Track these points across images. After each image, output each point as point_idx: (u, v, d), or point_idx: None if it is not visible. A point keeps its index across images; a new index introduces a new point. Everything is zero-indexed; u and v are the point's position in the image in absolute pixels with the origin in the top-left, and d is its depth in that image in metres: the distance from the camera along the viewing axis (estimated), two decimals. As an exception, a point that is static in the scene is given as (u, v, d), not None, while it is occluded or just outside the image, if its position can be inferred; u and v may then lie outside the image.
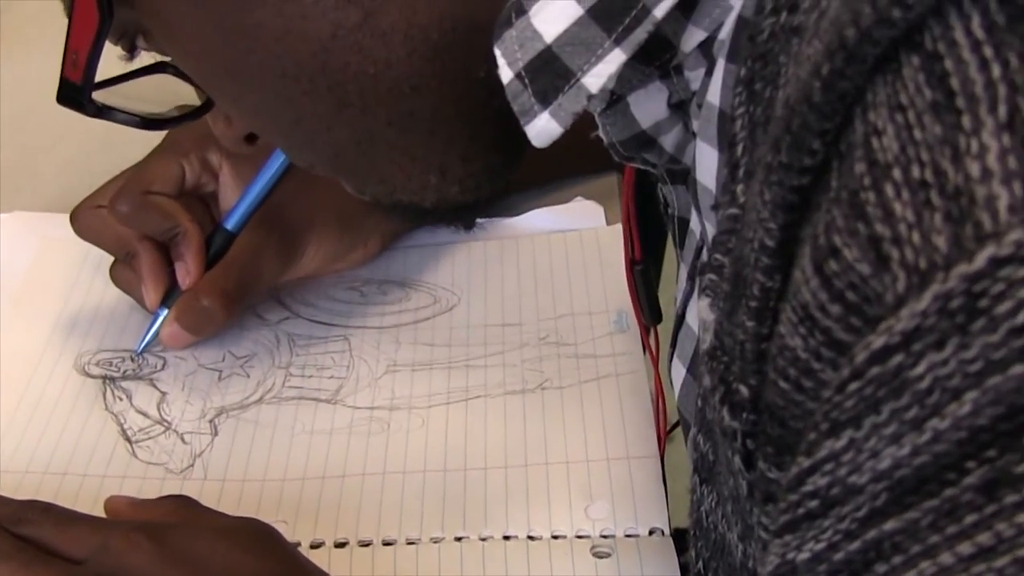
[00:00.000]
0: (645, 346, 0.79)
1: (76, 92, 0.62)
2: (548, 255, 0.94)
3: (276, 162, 0.80)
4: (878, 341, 0.35)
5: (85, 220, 0.86)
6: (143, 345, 0.86)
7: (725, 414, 0.46)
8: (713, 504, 0.55)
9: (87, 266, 0.93)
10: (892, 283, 0.34)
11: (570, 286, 0.91)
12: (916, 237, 0.34)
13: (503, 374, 0.84)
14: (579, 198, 0.98)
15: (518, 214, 0.97)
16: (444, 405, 0.82)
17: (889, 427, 0.36)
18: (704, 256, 0.59)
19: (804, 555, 0.40)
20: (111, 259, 0.88)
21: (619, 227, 0.93)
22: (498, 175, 0.64)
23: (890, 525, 0.37)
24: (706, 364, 0.48)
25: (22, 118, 1.12)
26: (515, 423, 0.80)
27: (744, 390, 0.44)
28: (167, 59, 0.67)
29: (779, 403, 0.41)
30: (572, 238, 0.95)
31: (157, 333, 0.85)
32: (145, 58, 0.66)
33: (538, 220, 0.97)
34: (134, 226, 0.84)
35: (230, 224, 0.84)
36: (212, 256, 0.84)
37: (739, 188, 0.47)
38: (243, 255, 0.85)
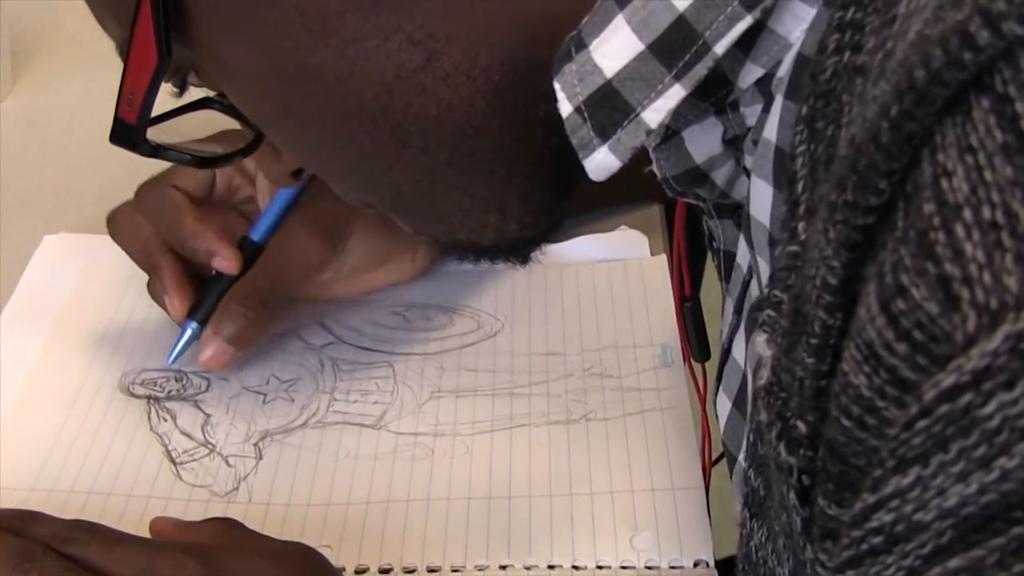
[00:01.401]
0: (693, 382, 0.79)
1: (131, 132, 0.62)
2: (592, 285, 0.94)
3: None
4: (948, 380, 0.35)
5: (118, 221, 0.87)
6: (174, 356, 0.84)
7: (782, 450, 0.46)
8: (763, 539, 0.55)
9: (131, 287, 0.94)
10: (962, 323, 0.34)
11: (614, 318, 0.91)
12: (987, 277, 0.34)
13: (547, 403, 0.84)
14: (623, 227, 0.98)
15: (562, 241, 0.97)
16: (488, 432, 0.82)
17: (957, 465, 0.36)
18: (755, 290, 0.59)
19: None
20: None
21: (663, 258, 0.93)
22: (553, 210, 0.64)
23: (955, 563, 0.37)
24: (763, 399, 0.48)
25: (65, 139, 1.13)
26: (559, 452, 0.80)
27: (802, 426, 0.44)
28: (212, 94, 0.67)
29: (840, 440, 0.41)
30: (616, 268, 0.95)
31: (187, 345, 0.84)
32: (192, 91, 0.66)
33: (582, 248, 0.97)
34: (147, 212, 0.84)
35: (256, 235, 0.83)
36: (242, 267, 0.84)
37: (800, 225, 0.47)
38: (282, 245, 0.85)
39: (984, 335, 0.34)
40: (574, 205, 0.94)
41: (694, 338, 0.76)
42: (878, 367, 0.38)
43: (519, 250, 0.67)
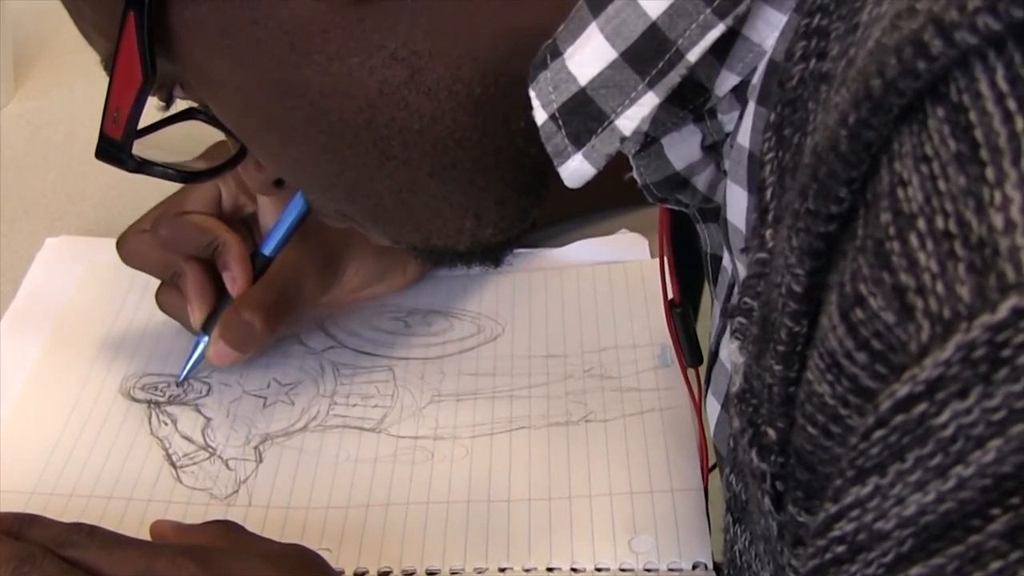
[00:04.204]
0: (687, 387, 0.79)
1: (117, 148, 0.62)
2: (592, 287, 0.94)
3: None
4: (902, 389, 0.35)
5: (130, 245, 0.87)
6: (185, 372, 0.86)
7: (754, 456, 0.46)
8: (746, 543, 0.55)
9: (132, 290, 0.94)
10: (916, 332, 0.35)
11: (614, 319, 0.91)
12: (940, 287, 0.34)
13: (547, 405, 0.84)
14: (623, 230, 0.98)
15: (562, 245, 0.97)
16: (488, 435, 0.82)
17: (914, 474, 0.36)
18: (735, 297, 0.59)
19: None
20: (156, 283, 0.88)
21: (663, 260, 0.93)
22: (528, 214, 0.65)
23: (916, 571, 0.37)
24: (735, 406, 0.49)
25: (67, 143, 1.14)
26: (559, 455, 0.80)
27: (772, 433, 0.45)
28: (195, 105, 0.67)
29: (807, 448, 0.41)
30: (616, 270, 0.95)
31: (199, 360, 0.86)
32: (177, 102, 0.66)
33: (582, 251, 0.97)
34: (175, 247, 0.84)
35: (267, 249, 0.84)
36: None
37: (768, 233, 0.48)
38: (284, 271, 0.85)
39: (937, 345, 0.34)
40: (574, 209, 0.95)
41: (685, 343, 0.76)
42: (840, 376, 0.38)
43: (493, 253, 0.67)
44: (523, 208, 0.64)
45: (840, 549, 0.39)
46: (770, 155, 0.48)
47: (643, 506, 0.76)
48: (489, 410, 0.84)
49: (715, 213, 0.62)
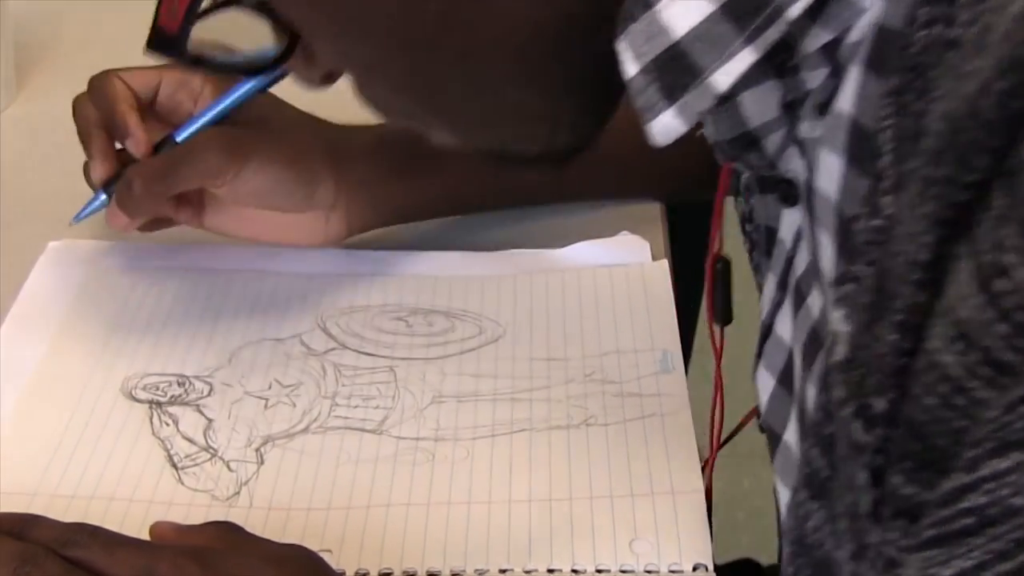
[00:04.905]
0: (711, 342, 0.77)
1: (172, 41, 0.61)
2: (593, 290, 0.94)
3: (243, 86, 0.84)
4: None
5: (75, 103, 0.91)
6: (79, 217, 0.90)
7: (859, 427, 0.45)
8: (822, 521, 0.54)
9: (134, 292, 0.94)
10: None
11: (615, 323, 0.91)
12: None
13: (548, 409, 0.84)
14: (625, 232, 0.98)
15: (563, 246, 0.97)
16: (489, 437, 0.82)
17: None
18: (800, 265, 0.58)
19: (949, 571, 0.40)
20: (158, 287, 0.88)
21: (664, 263, 0.94)
22: (602, 121, 0.63)
23: None
24: (837, 376, 0.47)
25: (69, 146, 1.13)
26: (560, 457, 0.80)
27: (881, 404, 0.44)
28: None
29: (922, 419, 0.41)
30: (618, 273, 0.95)
31: (93, 211, 0.89)
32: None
33: (583, 253, 0.97)
34: (91, 95, 0.88)
35: (179, 137, 0.86)
36: None
37: (885, 200, 0.45)
38: (184, 145, 0.87)
39: None
40: (570, 194, 0.94)
41: (720, 299, 0.75)
42: (970, 347, 0.37)
43: (559, 159, 0.65)
44: (600, 114, 0.62)
45: (968, 521, 0.39)
46: (888, 121, 0.46)
47: (644, 508, 0.76)
48: (490, 412, 0.84)
49: (775, 183, 0.61)
